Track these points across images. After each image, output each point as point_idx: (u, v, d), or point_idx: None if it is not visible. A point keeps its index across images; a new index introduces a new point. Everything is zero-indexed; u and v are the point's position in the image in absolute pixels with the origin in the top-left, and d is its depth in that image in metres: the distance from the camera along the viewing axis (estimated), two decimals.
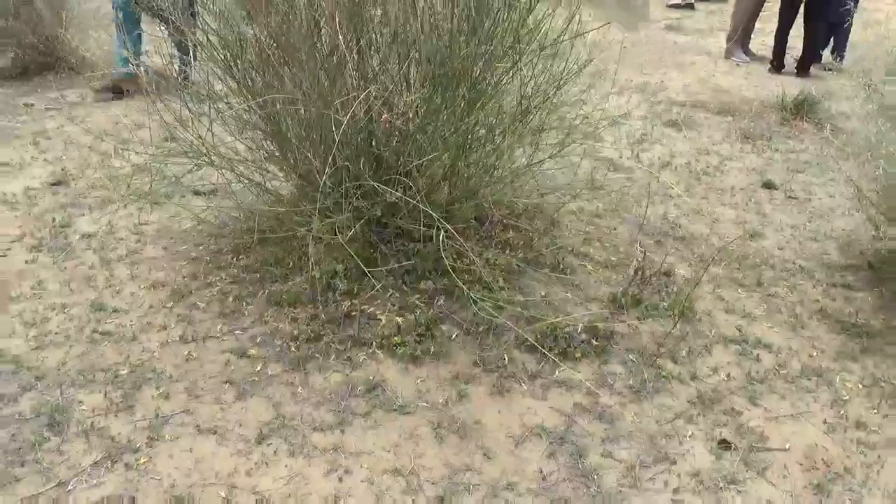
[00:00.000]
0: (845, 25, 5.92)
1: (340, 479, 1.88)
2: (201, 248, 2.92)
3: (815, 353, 2.51)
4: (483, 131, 2.60)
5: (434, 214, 2.22)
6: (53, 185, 3.46)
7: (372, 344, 2.36)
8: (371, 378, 2.23)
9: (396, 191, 2.37)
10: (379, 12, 2.42)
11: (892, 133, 2.71)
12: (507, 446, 2.02)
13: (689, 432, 2.11)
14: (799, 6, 6.13)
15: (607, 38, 2.70)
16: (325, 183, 2.29)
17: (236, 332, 2.43)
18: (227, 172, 2.72)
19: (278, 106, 2.49)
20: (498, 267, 2.67)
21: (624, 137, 4.43)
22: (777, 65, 6.33)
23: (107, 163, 3.72)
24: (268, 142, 2.73)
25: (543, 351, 2.31)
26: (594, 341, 2.41)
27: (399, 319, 2.39)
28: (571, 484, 1.91)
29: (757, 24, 6.86)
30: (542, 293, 2.68)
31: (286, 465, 1.91)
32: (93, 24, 5.35)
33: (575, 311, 2.59)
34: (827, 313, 2.74)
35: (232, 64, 2.58)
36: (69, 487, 1.82)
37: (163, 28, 3.44)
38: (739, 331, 2.59)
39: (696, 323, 2.61)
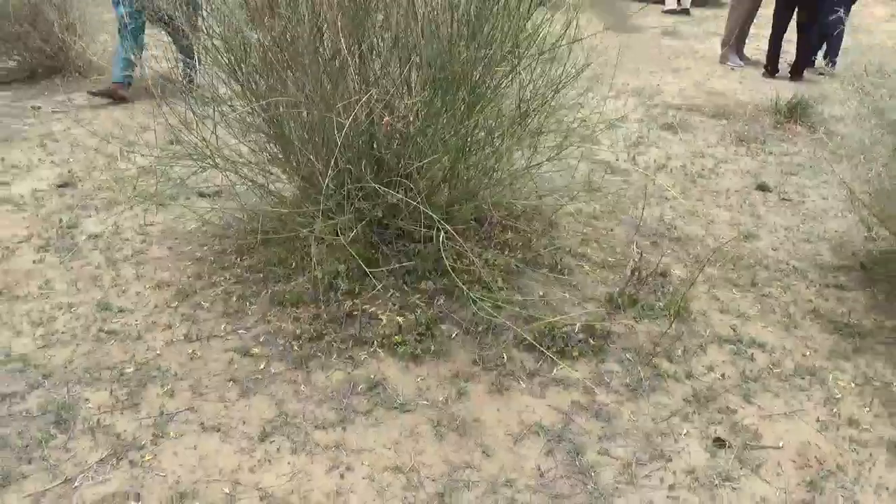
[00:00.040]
0: (835, 33, 5.93)
1: (342, 476, 1.88)
2: (206, 248, 2.92)
3: (808, 353, 2.50)
4: (482, 134, 2.60)
5: (434, 216, 2.22)
6: (60, 186, 3.46)
7: (373, 343, 2.36)
8: (372, 376, 2.23)
9: (397, 192, 2.37)
10: (380, 17, 2.42)
11: (886, 137, 2.71)
12: (505, 444, 2.02)
13: (685, 430, 2.11)
14: (792, 12, 6.14)
15: (604, 43, 2.70)
16: (327, 185, 2.29)
17: (240, 331, 2.43)
18: (231, 174, 2.72)
19: (281, 109, 2.49)
20: (497, 267, 2.67)
21: (621, 140, 4.43)
22: (771, 69, 6.33)
23: (113, 165, 3.72)
24: (271, 144, 2.73)
25: (542, 349, 2.31)
26: (591, 340, 2.41)
27: (400, 319, 2.39)
28: (569, 481, 1.91)
29: (751, 30, 6.87)
30: (541, 293, 2.67)
31: (289, 462, 1.91)
32: (99, 29, 5.35)
33: (572, 310, 2.59)
34: (820, 313, 2.74)
35: (236, 68, 2.58)
36: (76, 484, 1.81)
37: (167, 34, 3.45)
38: (734, 330, 2.59)
39: (692, 322, 2.61)
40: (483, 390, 2.21)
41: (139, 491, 1.80)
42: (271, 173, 2.80)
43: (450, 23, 2.31)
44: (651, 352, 2.42)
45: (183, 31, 2.66)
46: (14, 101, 4.74)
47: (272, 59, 2.47)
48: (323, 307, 2.48)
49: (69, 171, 3.61)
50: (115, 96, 4.65)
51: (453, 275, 2.27)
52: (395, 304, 2.50)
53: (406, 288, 2.58)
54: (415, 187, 2.41)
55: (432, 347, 2.34)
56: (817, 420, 2.18)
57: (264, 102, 2.50)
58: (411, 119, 2.39)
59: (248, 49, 2.52)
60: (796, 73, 6.22)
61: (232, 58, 2.57)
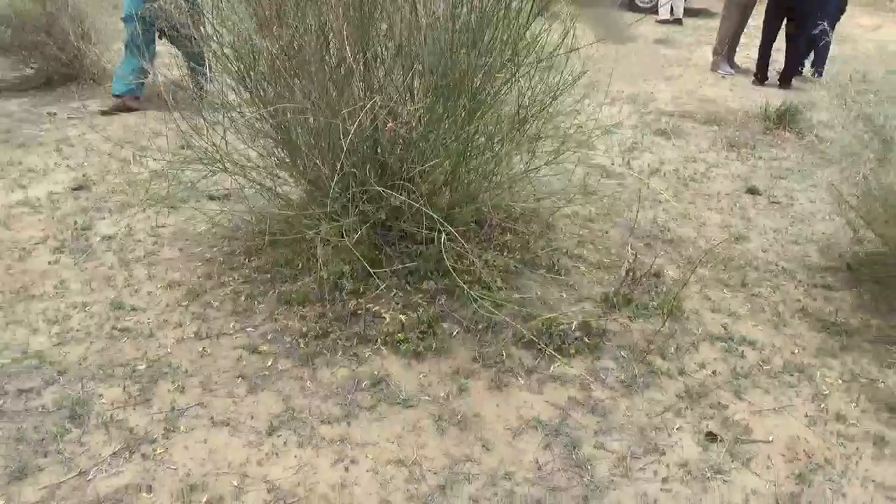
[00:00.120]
0: (821, 44, 5.93)
1: (347, 469, 1.88)
2: (215, 249, 2.92)
3: (796, 350, 2.50)
4: (482, 139, 2.60)
5: (436, 218, 2.22)
6: (75, 189, 3.46)
7: (377, 341, 2.36)
8: (376, 373, 2.23)
9: (400, 195, 2.37)
10: (384, 27, 2.42)
11: (874, 141, 2.71)
12: (504, 438, 2.02)
13: (678, 425, 2.10)
14: (781, 23, 6.14)
15: (600, 52, 2.70)
16: (332, 188, 2.29)
17: (248, 329, 2.43)
18: (240, 178, 2.72)
19: (289, 115, 2.49)
20: (496, 268, 2.67)
21: (616, 145, 4.43)
22: (761, 77, 6.33)
23: (126, 169, 3.72)
24: (279, 149, 2.73)
25: (541, 345, 2.31)
26: (587, 338, 2.40)
27: (402, 317, 2.39)
28: (566, 474, 1.90)
29: (742, 39, 6.87)
30: (538, 293, 2.67)
31: (295, 456, 1.91)
32: (113, 38, 5.35)
33: (569, 309, 2.58)
34: (808, 312, 2.74)
35: (245, 75, 2.59)
36: (89, 477, 1.81)
37: (174, 46, 3.44)
38: (725, 329, 2.58)
39: (684, 321, 2.60)
40: (483, 386, 2.21)
41: (151, 483, 1.80)
42: (279, 177, 2.80)
43: (451, 32, 2.31)
44: (645, 349, 2.42)
45: (191, 38, 2.66)
46: (31, 108, 4.74)
47: (280, 67, 2.47)
48: (328, 306, 2.48)
49: (84, 175, 3.62)
50: (125, 109, 4.65)
51: (454, 275, 2.27)
52: (398, 304, 2.50)
53: (409, 288, 2.57)
54: (417, 190, 2.41)
55: (434, 345, 2.33)
56: (806, 415, 2.18)
57: (272, 109, 2.50)
58: (414, 125, 2.39)
59: (257, 57, 2.52)
60: (785, 80, 6.22)
61: (241, 66, 2.58)
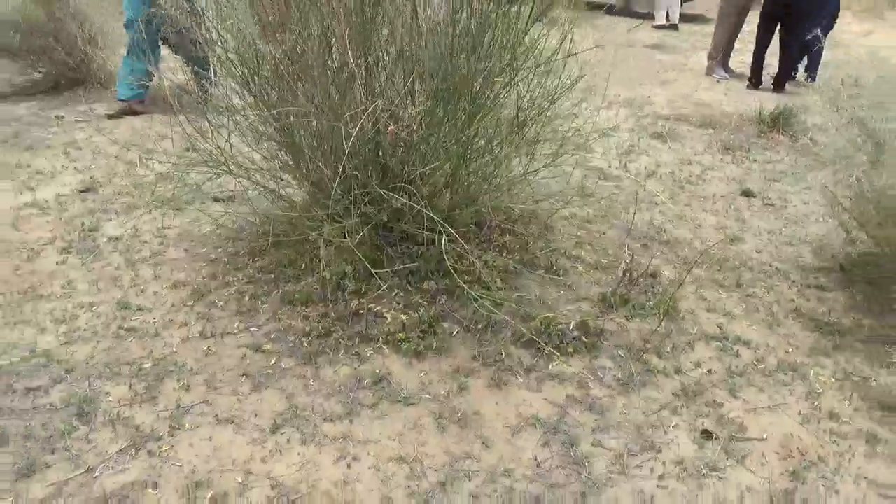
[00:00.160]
0: (814, 50, 5.94)
1: (349, 466, 1.88)
2: (220, 250, 2.92)
3: (790, 350, 2.50)
4: (482, 142, 2.60)
5: (436, 219, 2.22)
6: (83, 191, 3.46)
7: (378, 340, 2.35)
8: (377, 371, 2.23)
9: (401, 197, 2.37)
10: (386, 32, 2.42)
11: (867, 144, 2.71)
12: (504, 435, 2.02)
13: (674, 423, 2.10)
14: (775, 28, 6.15)
15: (597, 57, 2.70)
16: (335, 190, 2.29)
17: (252, 328, 2.43)
18: (244, 180, 2.72)
19: (292, 119, 2.49)
20: (496, 268, 2.66)
21: (613, 148, 4.43)
22: (755, 81, 6.33)
23: (132, 171, 3.72)
24: (282, 152, 2.73)
25: (541, 343, 2.31)
26: (585, 338, 2.40)
27: (404, 317, 2.39)
28: (564, 470, 1.90)
29: (736, 44, 6.87)
30: (537, 293, 2.67)
31: (298, 453, 1.91)
32: (119, 43, 5.35)
33: (567, 309, 2.58)
34: (801, 312, 2.74)
35: (249, 79, 2.58)
36: (96, 473, 1.81)
37: (175, 53, 3.43)
38: (720, 328, 2.58)
39: (680, 321, 2.60)
40: (483, 385, 2.21)
41: (157, 480, 1.80)
42: (282, 179, 2.80)
43: (451, 37, 2.31)
44: (642, 348, 2.42)
45: (195, 42, 2.66)
46: (39, 111, 4.74)
47: (283, 72, 2.47)
48: (331, 306, 2.48)
49: (91, 177, 3.61)
50: (131, 112, 4.65)
51: (454, 275, 2.27)
52: (399, 303, 2.50)
53: (410, 288, 2.57)
54: (418, 192, 2.41)
55: (434, 344, 2.33)
56: (799, 413, 2.18)
57: (276, 112, 2.50)
58: (415, 128, 2.39)
59: (261, 62, 2.52)
60: (778, 85, 6.22)
61: (245, 70, 2.57)
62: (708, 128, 5.08)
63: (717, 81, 6.57)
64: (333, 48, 2.41)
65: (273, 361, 2.26)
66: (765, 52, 6.27)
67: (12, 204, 3.28)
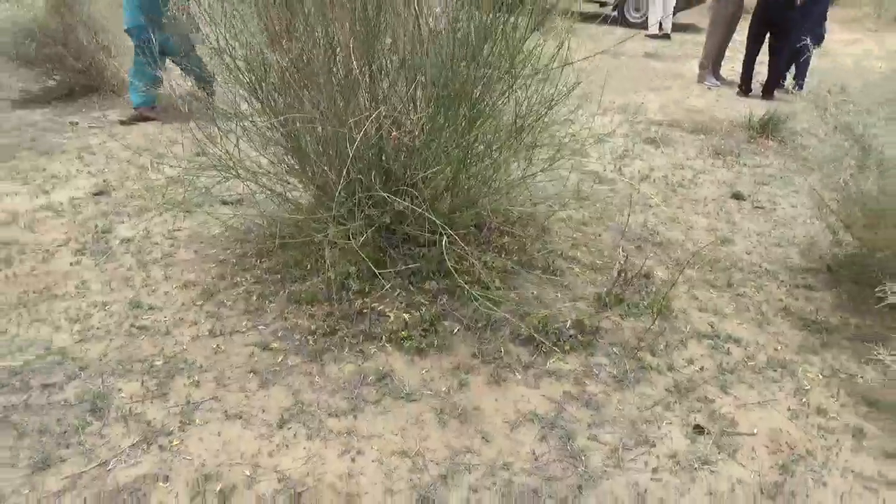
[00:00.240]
0: (802, 59, 5.94)
1: (353, 460, 1.88)
2: (228, 251, 2.92)
3: (779, 347, 2.50)
4: (482, 147, 2.60)
5: (438, 221, 2.22)
6: (96, 195, 3.46)
7: (382, 338, 2.35)
8: (381, 369, 2.23)
9: (404, 200, 2.37)
10: (389, 41, 2.42)
11: (853, 149, 2.71)
12: (503, 430, 2.02)
13: (667, 418, 2.10)
14: (764, 37, 6.15)
15: (593, 65, 2.71)
16: (339, 193, 2.29)
17: (259, 327, 2.43)
18: (252, 184, 2.73)
19: (298, 124, 2.49)
20: (495, 269, 2.67)
21: (608, 153, 4.43)
22: (745, 88, 6.34)
23: (144, 175, 3.72)
24: (288, 156, 2.73)
25: (540, 339, 2.30)
26: (581, 336, 2.40)
27: (406, 316, 2.39)
28: (561, 464, 1.90)
29: (727, 52, 6.87)
30: (535, 293, 2.67)
31: (304, 447, 1.91)
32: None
33: (564, 308, 2.58)
34: (790, 311, 2.74)
35: (257, 86, 2.59)
36: (109, 467, 1.81)
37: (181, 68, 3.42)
38: (711, 327, 2.58)
39: (673, 320, 2.60)
40: (482, 381, 2.21)
41: (167, 473, 1.80)
42: (289, 183, 2.80)
43: (452, 45, 2.31)
44: (636, 346, 2.41)
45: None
46: (54, 117, 4.75)
47: (290, 79, 2.47)
48: (336, 305, 2.48)
49: (104, 181, 3.62)
50: (143, 119, 4.66)
51: (455, 275, 2.27)
52: (401, 303, 2.50)
53: (412, 288, 2.57)
54: (420, 196, 2.41)
55: (436, 342, 2.33)
56: (788, 409, 2.18)
57: (282, 118, 2.50)
58: (417, 133, 2.39)
59: (268, 69, 2.52)
60: (767, 92, 6.23)
61: (253, 77, 2.58)
62: (700, 133, 5.08)
63: (709, 88, 6.58)
64: (338, 56, 2.41)
65: (280, 359, 2.26)
66: (754, 60, 6.27)
67: (28, 207, 3.28)
